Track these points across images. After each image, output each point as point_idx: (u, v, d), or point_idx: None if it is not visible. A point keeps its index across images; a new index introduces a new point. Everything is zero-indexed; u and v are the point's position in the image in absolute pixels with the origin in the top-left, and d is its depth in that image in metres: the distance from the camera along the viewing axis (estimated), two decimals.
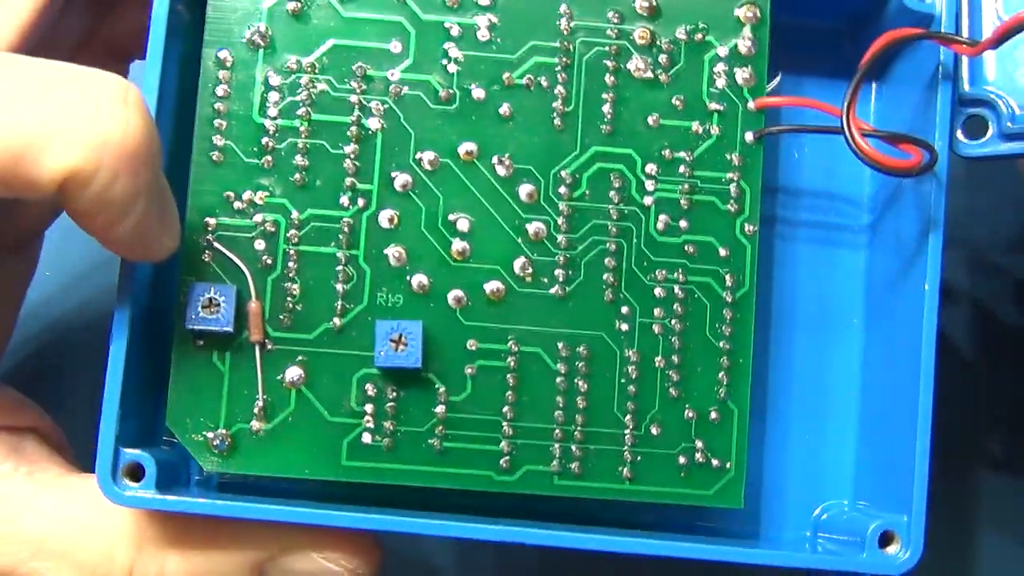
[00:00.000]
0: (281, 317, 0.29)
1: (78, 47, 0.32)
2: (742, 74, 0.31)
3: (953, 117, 0.30)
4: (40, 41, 0.29)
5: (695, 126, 0.30)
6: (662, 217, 0.30)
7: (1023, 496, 0.37)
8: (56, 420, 0.31)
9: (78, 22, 0.31)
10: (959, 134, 0.31)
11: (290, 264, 0.30)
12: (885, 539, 0.29)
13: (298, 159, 0.30)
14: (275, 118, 0.30)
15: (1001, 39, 0.28)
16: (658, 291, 0.30)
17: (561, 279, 0.30)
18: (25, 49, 0.29)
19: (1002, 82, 0.30)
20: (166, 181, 0.27)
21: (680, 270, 0.30)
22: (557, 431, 0.30)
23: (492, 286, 0.30)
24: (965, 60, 0.30)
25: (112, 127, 0.24)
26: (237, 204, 0.30)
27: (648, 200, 0.30)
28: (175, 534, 0.29)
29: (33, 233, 0.33)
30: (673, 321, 0.30)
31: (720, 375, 0.30)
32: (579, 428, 0.30)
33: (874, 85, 0.33)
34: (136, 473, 0.28)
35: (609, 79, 0.30)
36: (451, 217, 0.30)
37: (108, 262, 0.37)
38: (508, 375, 0.30)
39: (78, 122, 0.24)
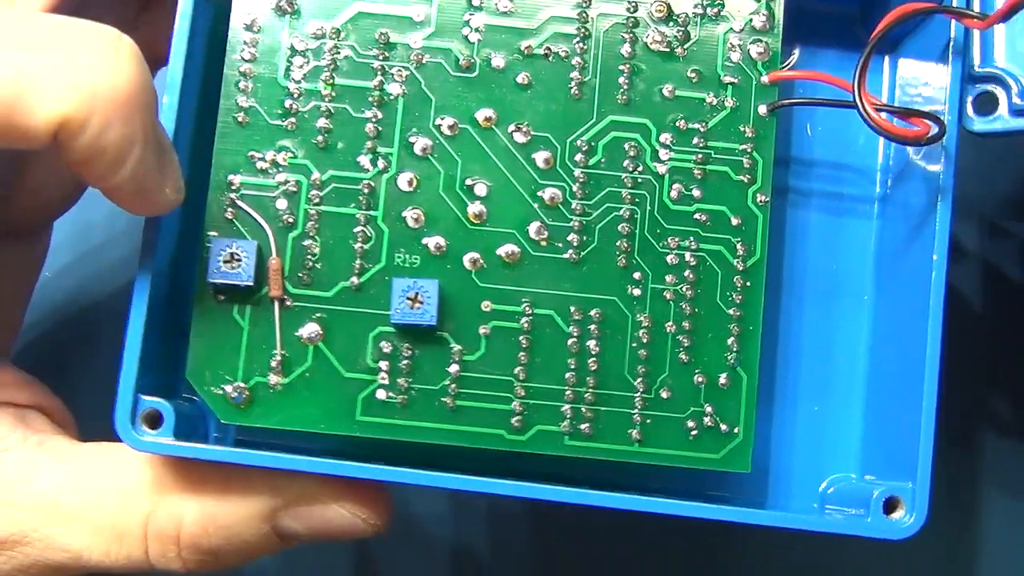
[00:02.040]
0: (301, 275, 0.30)
1: None
2: (756, 48, 0.31)
3: (963, 93, 0.31)
4: None
5: (709, 98, 0.31)
6: (675, 186, 0.31)
7: None
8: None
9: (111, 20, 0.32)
10: (969, 110, 0.31)
11: (310, 223, 0.30)
12: (890, 505, 0.29)
13: (321, 122, 0.30)
14: (299, 82, 0.30)
15: (1011, 11, 0.28)
16: (670, 258, 0.31)
17: (575, 244, 0.31)
18: None
19: (1012, 58, 0.31)
20: (164, 130, 0.27)
21: (692, 238, 0.31)
22: (568, 392, 0.30)
23: (507, 249, 0.30)
24: (976, 37, 0.31)
25: (104, 74, 0.25)
26: (261, 164, 0.30)
27: (662, 169, 0.31)
28: (190, 483, 0.29)
29: (39, 222, 0.33)
30: (685, 287, 0.31)
31: (730, 341, 0.30)
32: (590, 390, 0.30)
33: (886, 60, 0.33)
34: (155, 421, 0.29)
35: (626, 50, 0.31)
36: (468, 181, 0.31)
37: (116, 239, 0.39)
38: (521, 336, 0.30)
39: (69, 70, 0.25)
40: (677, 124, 0.31)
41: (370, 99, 0.31)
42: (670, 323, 0.30)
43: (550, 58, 0.31)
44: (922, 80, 0.32)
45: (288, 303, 0.30)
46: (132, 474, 0.29)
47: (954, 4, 0.30)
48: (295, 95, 0.30)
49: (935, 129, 0.29)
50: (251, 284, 0.29)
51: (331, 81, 0.31)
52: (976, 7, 0.31)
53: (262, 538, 0.29)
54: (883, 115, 0.29)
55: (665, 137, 0.31)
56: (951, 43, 0.31)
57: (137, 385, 0.28)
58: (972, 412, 0.36)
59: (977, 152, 0.36)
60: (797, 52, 0.32)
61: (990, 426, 0.36)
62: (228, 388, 0.30)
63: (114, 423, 0.28)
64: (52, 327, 0.39)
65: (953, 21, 0.31)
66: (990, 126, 0.31)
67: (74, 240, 0.39)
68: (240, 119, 0.30)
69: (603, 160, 0.31)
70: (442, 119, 0.31)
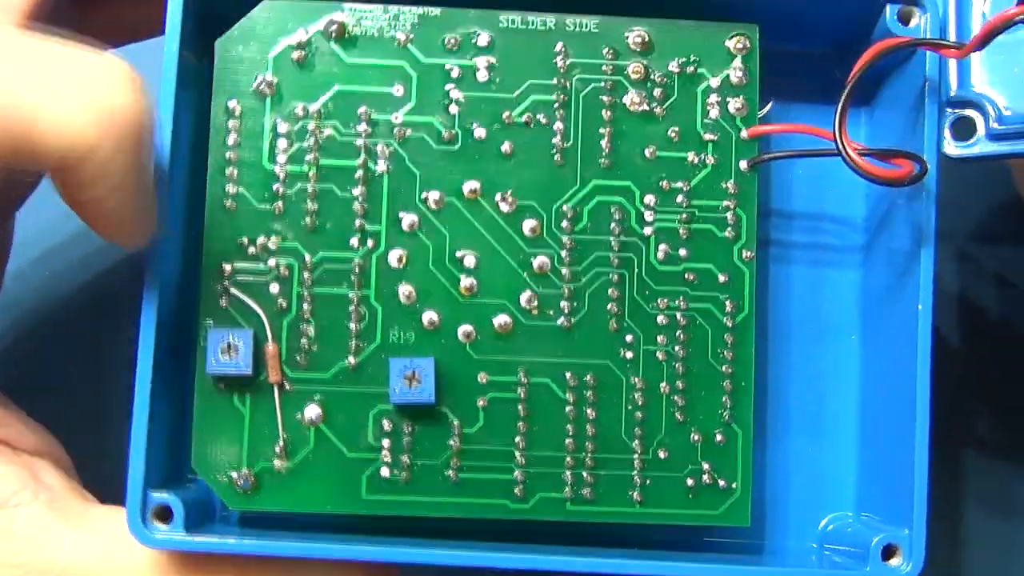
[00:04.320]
0: (298, 358, 0.30)
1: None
2: (735, 104, 0.32)
3: (940, 119, 0.31)
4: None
5: (691, 156, 0.31)
6: (662, 247, 0.31)
7: None
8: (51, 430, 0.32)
9: (67, 10, 0.32)
10: (947, 135, 0.31)
11: (304, 306, 0.31)
12: (888, 552, 0.30)
13: (308, 203, 0.31)
14: (284, 164, 0.31)
15: (986, 39, 0.28)
16: (660, 319, 0.31)
17: (566, 310, 0.31)
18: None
19: (989, 83, 0.31)
20: (152, 164, 0.28)
21: (681, 297, 0.31)
22: (568, 458, 0.31)
23: (500, 320, 0.31)
24: (953, 64, 0.31)
25: (118, 102, 0.26)
26: (251, 249, 0.31)
27: (648, 230, 0.31)
28: (200, 569, 0.29)
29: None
30: (676, 347, 0.31)
31: (724, 398, 0.31)
32: (589, 455, 0.31)
33: (863, 111, 0.34)
34: (164, 514, 0.29)
35: (606, 114, 0.31)
36: (458, 254, 0.31)
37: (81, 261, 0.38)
38: (519, 406, 0.31)
39: (86, 96, 0.25)
40: (660, 184, 0.31)
41: (355, 177, 0.31)
42: (664, 384, 0.31)
43: (531, 126, 0.31)
44: (898, 126, 0.32)
45: (288, 387, 0.30)
46: (140, 555, 0.29)
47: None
48: (281, 178, 0.31)
49: (917, 168, 0.30)
50: (249, 373, 0.30)
51: (316, 162, 0.31)
52: (952, 37, 0.31)
53: None
54: (866, 159, 0.30)
55: (649, 198, 0.31)
56: (926, 84, 0.31)
57: (146, 481, 0.29)
58: (967, 441, 0.37)
59: (956, 184, 0.36)
60: (771, 103, 0.32)
61: (984, 454, 0.37)
62: (234, 475, 0.30)
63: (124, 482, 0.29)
64: (31, 346, 0.39)
65: (928, 61, 0.31)
66: (968, 151, 0.31)
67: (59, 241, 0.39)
68: (228, 205, 0.31)
69: (589, 225, 0.31)
70: (428, 193, 0.31)
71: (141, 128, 0.26)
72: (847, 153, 0.29)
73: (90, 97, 0.26)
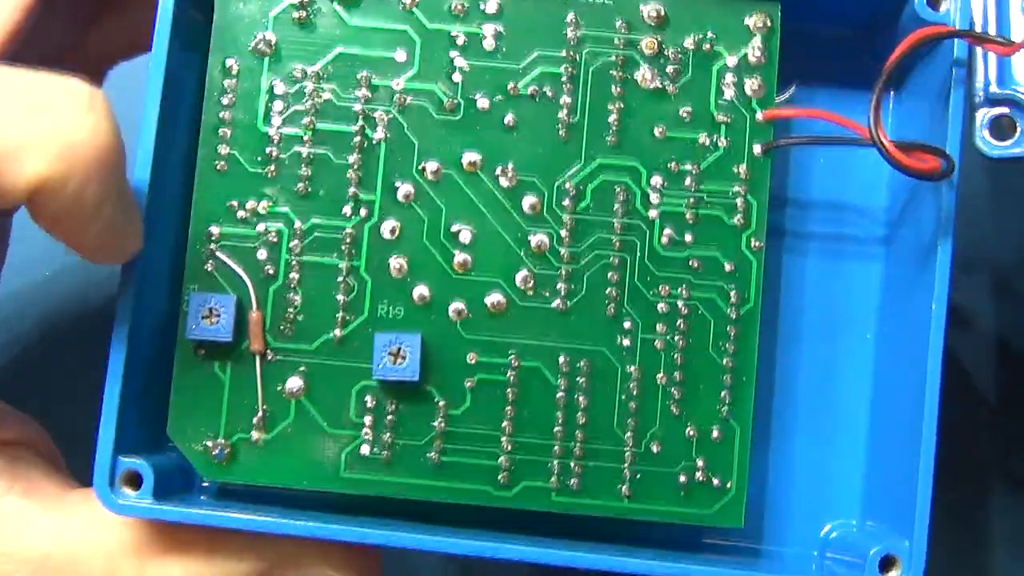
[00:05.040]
0: (282, 327, 0.29)
1: (61, 54, 0.32)
2: (751, 84, 0.30)
3: (968, 120, 0.30)
4: (22, 46, 0.29)
5: (702, 138, 0.30)
6: (666, 231, 0.30)
7: None
8: (42, 421, 0.31)
9: (61, 29, 0.32)
10: (985, 134, 0.30)
11: (292, 274, 0.30)
12: (887, 563, 0.29)
13: (302, 169, 0.30)
14: (279, 127, 0.30)
15: None
16: (661, 306, 0.30)
17: (563, 292, 0.30)
18: (7, 54, 0.29)
19: None
20: (129, 184, 0.27)
21: (684, 285, 0.30)
22: (556, 447, 0.29)
23: (493, 299, 0.30)
24: (993, 61, 0.30)
25: (81, 134, 0.25)
26: (241, 213, 0.30)
27: (653, 213, 0.30)
28: (175, 546, 0.29)
29: None
30: (676, 337, 0.30)
31: (723, 393, 0.30)
32: (579, 444, 0.29)
33: (891, 96, 0.32)
34: (134, 481, 0.28)
35: (615, 89, 0.30)
36: (453, 228, 0.30)
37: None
38: (508, 389, 0.29)
39: (48, 130, 0.25)
40: (668, 166, 0.30)
41: (352, 144, 0.30)
42: (661, 374, 0.30)
43: (537, 99, 0.30)
44: (923, 116, 0.30)
45: (270, 357, 0.29)
46: (117, 534, 0.29)
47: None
48: (275, 141, 0.30)
49: (943, 164, 0.28)
50: (230, 340, 0.29)
51: (312, 126, 0.30)
52: (992, 31, 0.30)
53: None
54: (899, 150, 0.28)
55: (656, 180, 0.30)
56: (952, 74, 0.29)
57: (116, 446, 0.28)
58: (978, 462, 0.35)
59: (981, 186, 0.35)
60: (793, 87, 0.31)
61: (997, 476, 0.35)
62: (209, 444, 0.29)
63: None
64: (21, 339, 0.39)
65: (956, 49, 0.29)
66: (1008, 151, 0.30)
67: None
68: (219, 167, 0.30)
69: (592, 204, 0.30)
70: (425, 164, 0.30)
71: (110, 154, 0.25)
72: (882, 142, 0.28)
73: (53, 129, 0.25)
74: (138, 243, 0.28)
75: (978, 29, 0.30)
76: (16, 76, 0.26)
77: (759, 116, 0.30)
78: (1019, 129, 0.30)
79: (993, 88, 0.30)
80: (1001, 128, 0.30)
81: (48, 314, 0.39)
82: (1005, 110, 0.30)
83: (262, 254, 0.30)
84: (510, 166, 0.30)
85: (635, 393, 0.30)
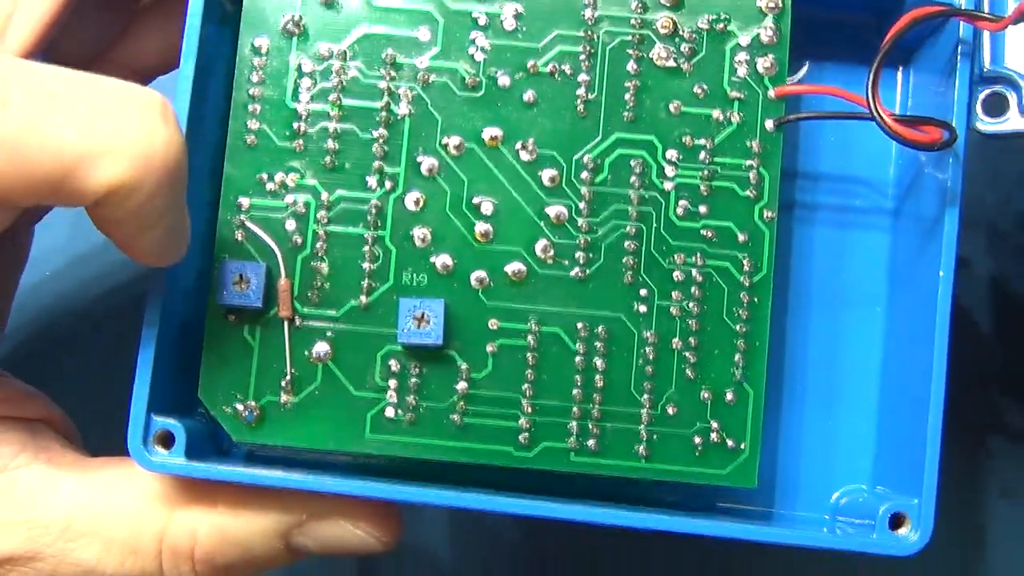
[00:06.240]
0: (310, 294, 0.30)
1: (91, 62, 0.32)
2: (763, 63, 0.31)
3: (972, 94, 0.30)
4: (54, 51, 0.30)
5: (716, 113, 0.31)
6: (682, 202, 0.31)
7: None
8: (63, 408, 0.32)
9: (94, 35, 0.32)
10: (979, 111, 0.31)
11: (319, 244, 0.31)
12: (896, 521, 0.29)
13: (329, 143, 0.31)
14: (307, 103, 0.31)
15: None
16: (676, 274, 0.31)
17: (582, 261, 0.31)
18: (40, 56, 0.30)
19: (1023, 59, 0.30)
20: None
21: (698, 254, 0.31)
22: (575, 409, 0.30)
23: (514, 267, 0.31)
24: (987, 38, 0.30)
25: (156, 144, 0.25)
26: (269, 185, 0.31)
27: (668, 185, 0.31)
28: (203, 499, 0.30)
29: (23, 224, 0.34)
30: (691, 304, 0.31)
31: (736, 357, 0.30)
32: (596, 406, 0.30)
33: (899, 72, 0.33)
34: (166, 441, 0.29)
35: (632, 67, 0.31)
36: (475, 200, 0.31)
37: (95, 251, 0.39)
38: (528, 354, 0.30)
39: (126, 137, 0.25)
40: (683, 140, 0.31)
41: (377, 119, 0.31)
42: (676, 339, 0.31)
43: (556, 76, 0.31)
44: (932, 91, 0.31)
45: (298, 323, 0.30)
46: (145, 488, 0.30)
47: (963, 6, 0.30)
48: (303, 116, 0.31)
49: (946, 136, 0.29)
50: (260, 306, 0.30)
51: (339, 102, 0.31)
52: (986, 8, 0.31)
53: (274, 553, 0.30)
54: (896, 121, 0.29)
55: (671, 154, 0.31)
56: (958, 49, 0.30)
57: (149, 405, 0.29)
58: (987, 424, 0.36)
59: (988, 161, 0.35)
60: (807, 66, 0.32)
61: (1004, 437, 0.36)
62: (239, 407, 0.30)
63: (126, 437, 0.29)
64: (47, 329, 0.40)
65: (962, 29, 0.30)
66: (1000, 127, 0.31)
67: (71, 241, 0.40)
68: (249, 141, 0.31)
69: (609, 177, 0.31)
70: (448, 139, 0.31)
71: (180, 165, 0.26)
72: (880, 116, 0.29)
73: (130, 137, 0.25)
74: (184, 249, 0.28)
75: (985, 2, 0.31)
76: (94, 81, 0.26)
77: (771, 93, 0.31)
78: (1011, 106, 0.31)
79: (987, 66, 0.31)
80: (993, 105, 0.31)
81: (72, 295, 0.40)
82: (997, 87, 0.31)
83: (290, 224, 0.31)
84: (530, 141, 0.31)
85: (651, 357, 0.30)
